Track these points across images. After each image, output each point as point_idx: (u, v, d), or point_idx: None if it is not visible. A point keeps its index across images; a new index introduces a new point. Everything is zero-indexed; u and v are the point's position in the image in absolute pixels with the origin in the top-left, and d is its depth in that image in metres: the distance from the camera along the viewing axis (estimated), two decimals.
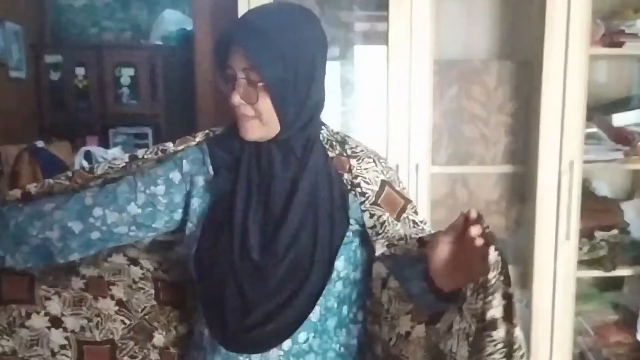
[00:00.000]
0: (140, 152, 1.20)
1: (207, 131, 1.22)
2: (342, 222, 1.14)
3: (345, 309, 1.19)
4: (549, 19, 1.92)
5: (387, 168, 1.19)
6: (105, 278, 1.30)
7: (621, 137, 2.07)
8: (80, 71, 3.80)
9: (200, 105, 2.23)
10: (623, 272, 2.15)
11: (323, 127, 1.19)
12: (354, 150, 1.18)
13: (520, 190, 2.17)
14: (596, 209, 2.12)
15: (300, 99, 1.09)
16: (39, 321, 1.22)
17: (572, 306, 2.08)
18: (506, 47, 2.20)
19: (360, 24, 2.11)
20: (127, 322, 1.30)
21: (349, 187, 1.15)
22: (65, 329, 1.23)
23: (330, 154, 1.16)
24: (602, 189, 2.24)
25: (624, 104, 2.13)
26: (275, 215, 1.12)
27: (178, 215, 1.20)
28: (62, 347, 1.22)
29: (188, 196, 1.19)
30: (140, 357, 1.30)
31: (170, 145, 1.20)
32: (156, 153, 1.20)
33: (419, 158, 1.96)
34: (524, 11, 2.13)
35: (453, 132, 2.11)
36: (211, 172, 1.18)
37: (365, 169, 1.17)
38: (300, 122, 1.11)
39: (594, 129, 2.07)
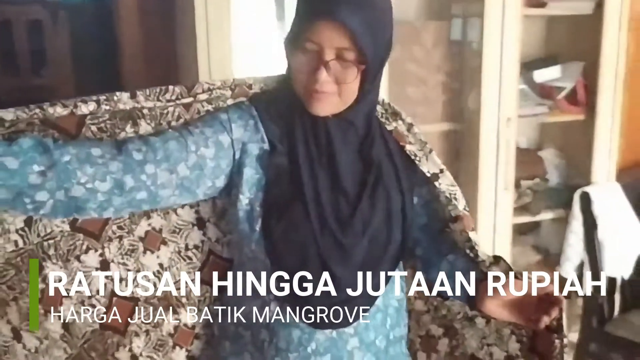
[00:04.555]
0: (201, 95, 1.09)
1: (262, 85, 1.14)
2: (409, 193, 1.16)
3: None
4: None
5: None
6: (162, 233, 1.14)
7: (545, 92, 2.25)
8: None
9: (126, 69, 1.95)
10: (545, 216, 2.37)
11: None
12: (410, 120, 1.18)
13: (459, 146, 2.27)
14: (520, 160, 2.29)
15: (379, 75, 1.07)
16: (91, 259, 1.09)
17: (510, 251, 2.25)
18: (438, 6, 2.25)
19: None
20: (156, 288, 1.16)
21: (413, 157, 1.14)
22: (107, 276, 1.11)
23: (389, 127, 1.15)
24: (522, 141, 2.43)
25: (543, 62, 2.31)
26: (346, 193, 1.09)
27: (220, 182, 1.08)
28: (97, 291, 1.10)
29: (237, 164, 1.08)
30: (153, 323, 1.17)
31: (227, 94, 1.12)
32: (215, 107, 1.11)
33: None
34: None
35: (398, 93, 2.13)
36: (266, 142, 1.09)
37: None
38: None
39: (522, 86, 2.23)
